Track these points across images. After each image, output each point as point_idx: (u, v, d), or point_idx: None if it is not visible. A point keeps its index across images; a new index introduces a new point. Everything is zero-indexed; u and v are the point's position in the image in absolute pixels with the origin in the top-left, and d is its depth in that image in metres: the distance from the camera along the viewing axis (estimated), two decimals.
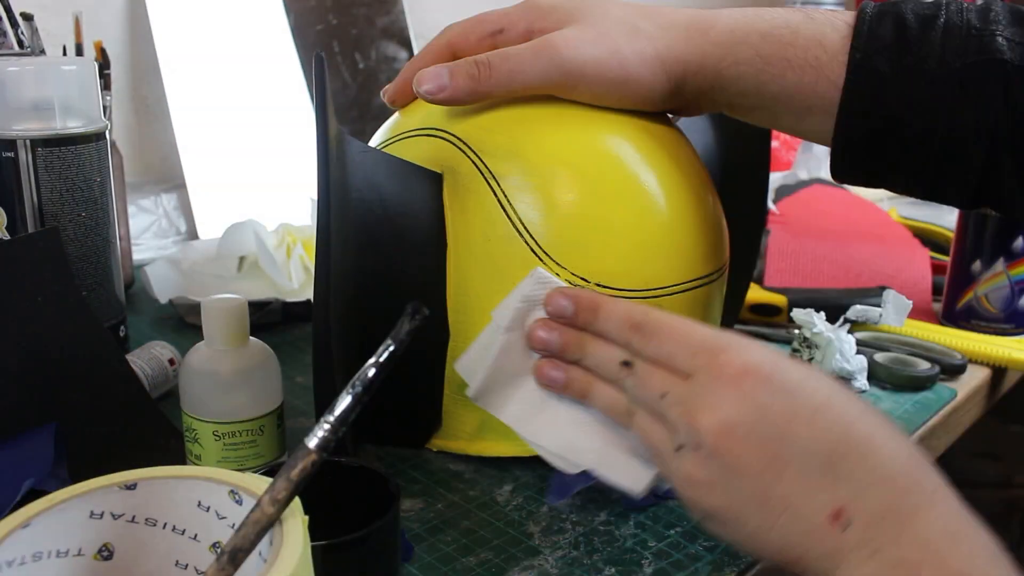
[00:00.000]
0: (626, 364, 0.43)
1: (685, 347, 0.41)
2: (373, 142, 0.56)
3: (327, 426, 0.32)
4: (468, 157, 0.50)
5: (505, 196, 0.48)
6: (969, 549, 0.35)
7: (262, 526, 0.32)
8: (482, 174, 0.49)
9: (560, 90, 0.49)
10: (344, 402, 0.32)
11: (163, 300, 0.77)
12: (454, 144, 0.50)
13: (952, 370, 0.70)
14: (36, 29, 0.73)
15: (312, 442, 0.32)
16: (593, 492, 0.52)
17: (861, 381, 0.66)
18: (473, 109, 0.51)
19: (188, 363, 0.49)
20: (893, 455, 0.37)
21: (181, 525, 0.36)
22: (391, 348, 0.32)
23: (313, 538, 0.42)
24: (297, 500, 0.33)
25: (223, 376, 0.48)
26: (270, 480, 0.36)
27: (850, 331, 0.77)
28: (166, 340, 0.66)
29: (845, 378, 0.66)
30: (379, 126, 0.57)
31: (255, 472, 0.37)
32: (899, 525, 0.35)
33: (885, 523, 0.36)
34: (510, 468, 0.55)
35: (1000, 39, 0.46)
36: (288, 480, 0.32)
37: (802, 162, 1.25)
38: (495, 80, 0.48)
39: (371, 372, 0.32)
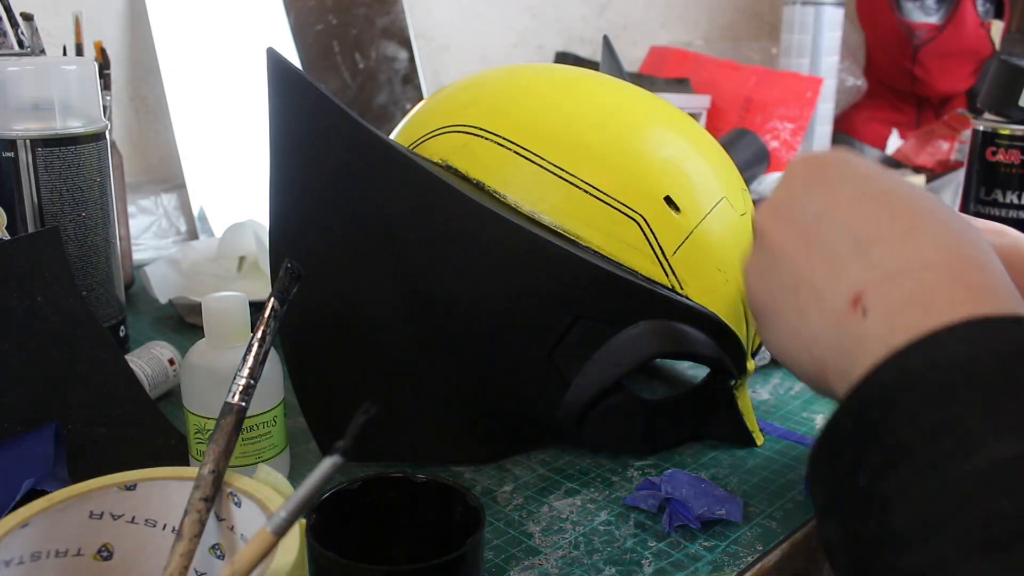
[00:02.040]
0: None
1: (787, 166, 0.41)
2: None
3: (242, 380, 0.37)
4: (479, 136, 0.52)
5: (514, 143, 0.51)
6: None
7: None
8: (497, 143, 0.52)
9: None
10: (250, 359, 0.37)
11: (163, 300, 0.77)
12: (465, 132, 0.53)
13: None
14: (36, 29, 0.73)
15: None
16: (593, 492, 0.52)
17: None
18: (481, 107, 0.54)
19: (194, 363, 0.49)
20: (941, 250, 0.33)
21: None
22: (274, 304, 0.37)
23: (383, 561, 0.40)
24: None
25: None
26: (266, 482, 0.37)
27: None
28: (166, 340, 0.66)
29: None
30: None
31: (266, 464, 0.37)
32: (923, 316, 0.31)
33: (907, 313, 0.32)
34: (510, 468, 0.55)
35: None
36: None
37: None
38: None
39: (260, 329, 0.37)
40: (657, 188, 0.51)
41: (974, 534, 0.26)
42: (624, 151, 0.51)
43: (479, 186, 0.51)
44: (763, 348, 0.69)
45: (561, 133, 0.51)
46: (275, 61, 0.49)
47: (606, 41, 0.68)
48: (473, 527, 0.37)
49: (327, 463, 0.31)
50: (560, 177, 0.50)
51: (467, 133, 0.52)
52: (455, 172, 0.52)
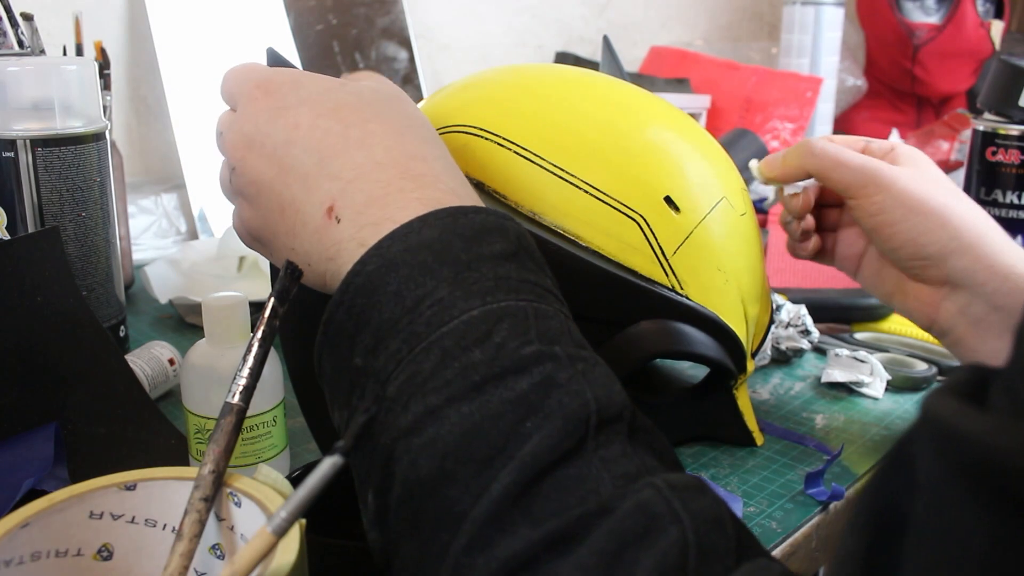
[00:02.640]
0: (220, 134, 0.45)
1: (236, 80, 0.42)
2: None
3: (242, 380, 0.38)
4: (480, 136, 0.53)
5: (514, 143, 0.52)
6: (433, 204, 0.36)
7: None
8: (497, 143, 0.52)
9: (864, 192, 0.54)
10: (250, 359, 0.38)
11: (163, 300, 0.77)
12: (466, 133, 0.53)
13: (951, 371, 0.70)
14: (36, 29, 0.73)
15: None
16: None
17: (875, 387, 0.66)
18: (482, 107, 0.54)
19: (194, 363, 0.49)
20: (388, 148, 0.38)
21: None
22: (274, 303, 0.38)
23: (356, 536, 0.42)
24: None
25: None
26: (266, 482, 0.37)
27: (851, 331, 0.77)
28: (166, 340, 0.66)
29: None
30: None
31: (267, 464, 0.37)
32: (381, 210, 0.36)
33: (368, 212, 0.36)
34: None
35: None
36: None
37: None
38: (815, 165, 0.56)
39: (259, 328, 0.38)
40: (657, 188, 0.51)
41: (455, 382, 0.31)
42: (624, 151, 0.51)
43: (479, 186, 0.51)
44: (763, 348, 0.70)
45: (561, 133, 0.51)
46: (275, 61, 0.49)
47: (606, 41, 0.68)
48: None
49: (327, 463, 0.31)
50: (560, 177, 0.50)
51: (467, 133, 0.52)
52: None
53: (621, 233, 0.50)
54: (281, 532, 0.31)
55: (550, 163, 0.50)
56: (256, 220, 0.41)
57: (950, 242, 0.52)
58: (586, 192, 0.50)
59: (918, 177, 0.53)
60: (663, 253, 0.50)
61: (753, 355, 0.56)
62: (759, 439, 0.58)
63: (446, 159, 0.40)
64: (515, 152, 0.50)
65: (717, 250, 0.52)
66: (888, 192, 0.53)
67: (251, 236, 0.43)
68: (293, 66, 0.49)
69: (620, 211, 0.50)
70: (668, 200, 0.50)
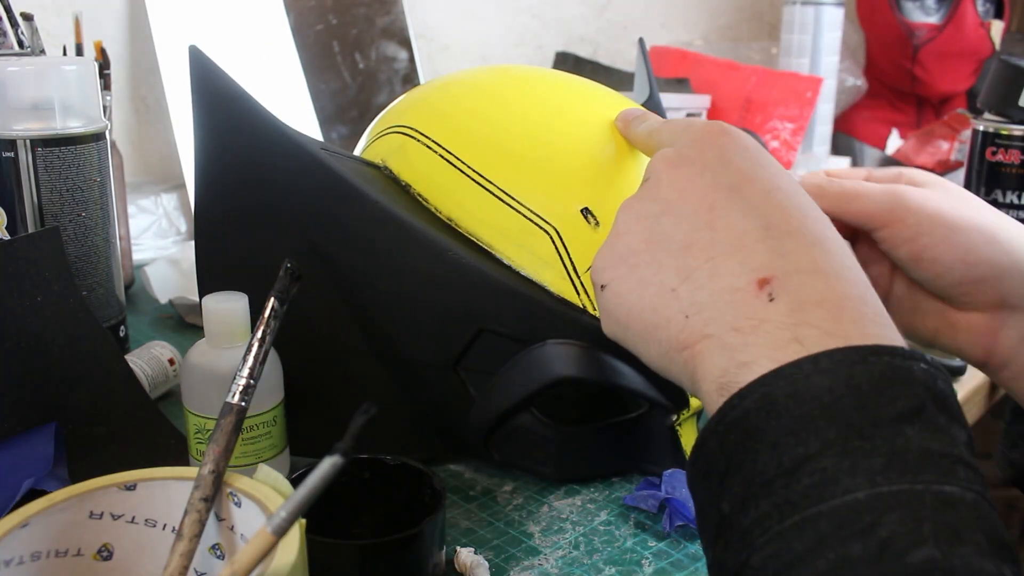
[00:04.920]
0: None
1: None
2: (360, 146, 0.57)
3: (243, 380, 0.38)
4: (413, 137, 0.52)
5: (440, 146, 0.50)
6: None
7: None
8: (426, 145, 0.51)
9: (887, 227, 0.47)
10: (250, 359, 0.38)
11: (163, 300, 0.77)
12: (403, 133, 0.53)
13: (951, 372, 0.70)
14: (36, 29, 0.73)
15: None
16: (593, 492, 0.52)
17: None
18: (423, 108, 0.54)
19: (194, 363, 0.49)
20: (846, 265, 0.34)
21: None
22: (274, 304, 0.38)
23: (354, 536, 0.43)
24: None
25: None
26: (268, 481, 0.37)
27: None
28: (166, 340, 0.66)
29: None
30: None
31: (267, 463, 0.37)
32: (833, 323, 0.31)
33: (818, 314, 0.32)
34: (510, 468, 0.55)
35: None
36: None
37: (802, 162, 1.25)
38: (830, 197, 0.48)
39: (260, 329, 0.38)
40: (574, 199, 0.48)
41: None
42: (546, 159, 0.48)
43: (406, 189, 0.50)
44: None
45: (486, 138, 0.49)
46: (199, 62, 0.48)
47: (641, 44, 0.66)
48: (438, 508, 0.41)
49: (327, 463, 0.31)
50: (478, 184, 0.48)
51: (404, 134, 0.52)
52: (389, 174, 0.52)
53: (532, 245, 0.47)
54: (281, 532, 0.31)
55: (471, 168, 0.48)
56: (638, 238, 0.37)
57: (1003, 258, 0.45)
58: (501, 200, 0.48)
59: (947, 195, 0.47)
60: (575, 270, 0.47)
61: None
62: None
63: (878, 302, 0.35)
64: (440, 155, 0.49)
65: None
66: (922, 212, 0.46)
67: (624, 245, 0.38)
68: (218, 66, 0.49)
69: (532, 221, 0.47)
70: (586, 212, 0.47)
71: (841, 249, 0.34)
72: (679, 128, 0.40)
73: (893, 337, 0.32)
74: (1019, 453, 0.56)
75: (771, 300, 0.32)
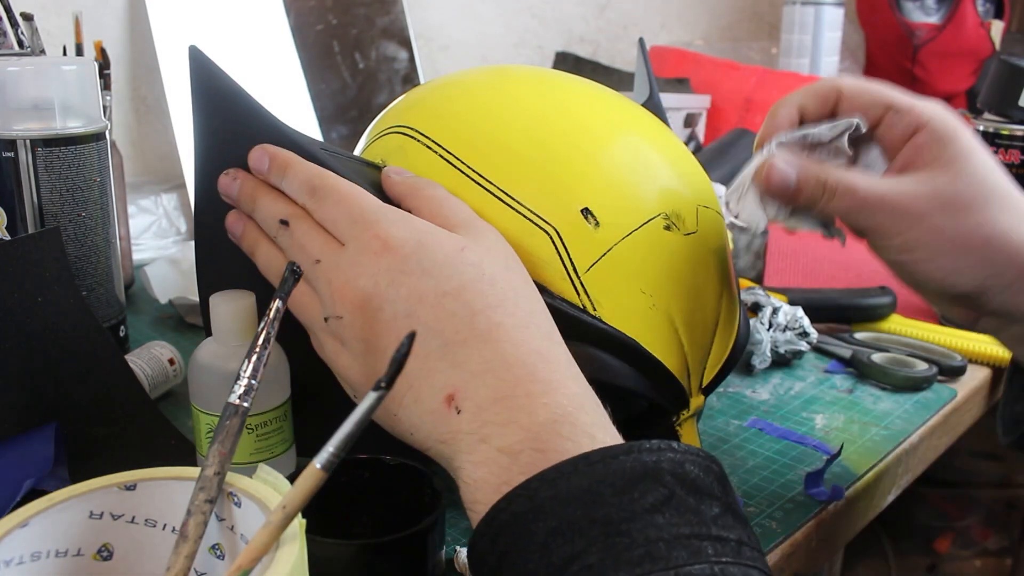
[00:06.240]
0: (284, 223, 0.44)
1: (347, 214, 0.41)
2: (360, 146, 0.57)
3: (245, 381, 0.38)
4: (413, 138, 0.52)
5: (440, 146, 0.50)
6: (570, 431, 0.36)
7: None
8: (426, 145, 0.51)
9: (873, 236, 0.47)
10: (251, 362, 0.38)
11: (163, 300, 0.77)
12: (403, 134, 0.52)
13: (951, 371, 0.70)
14: (36, 29, 0.73)
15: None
16: None
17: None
18: (423, 108, 0.54)
19: (203, 361, 0.48)
20: (516, 346, 0.38)
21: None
22: (278, 305, 0.39)
23: (354, 536, 0.43)
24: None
25: None
26: (268, 481, 0.37)
27: (852, 331, 0.77)
28: (166, 340, 0.66)
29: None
30: None
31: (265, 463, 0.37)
32: (507, 413, 0.36)
33: (493, 410, 0.36)
34: None
35: None
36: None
37: None
38: (833, 207, 0.46)
39: (263, 330, 0.38)
40: (575, 199, 0.47)
41: None
42: (546, 158, 0.48)
43: None
44: (757, 357, 0.69)
45: (486, 138, 0.49)
46: (199, 62, 0.48)
47: (641, 44, 0.65)
48: (438, 508, 0.42)
49: (372, 396, 0.31)
50: (477, 183, 0.48)
51: (404, 134, 0.52)
52: None
53: (531, 245, 0.47)
54: (329, 467, 0.32)
55: (470, 167, 0.48)
56: (357, 375, 0.41)
57: (990, 279, 0.45)
58: (500, 199, 0.47)
59: (955, 202, 0.44)
60: (575, 270, 0.47)
61: (705, 389, 0.51)
62: None
63: (566, 355, 0.40)
64: (440, 155, 0.49)
65: (642, 270, 0.47)
66: (919, 228, 0.44)
67: (347, 384, 0.42)
68: (218, 66, 0.49)
69: (532, 221, 0.47)
70: (586, 212, 0.47)
71: (515, 327, 0.39)
72: (349, 241, 0.41)
73: (563, 400, 0.36)
74: None
75: (459, 412, 0.37)
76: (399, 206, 0.44)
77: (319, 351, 0.43)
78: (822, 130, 0.48)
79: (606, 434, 0.37)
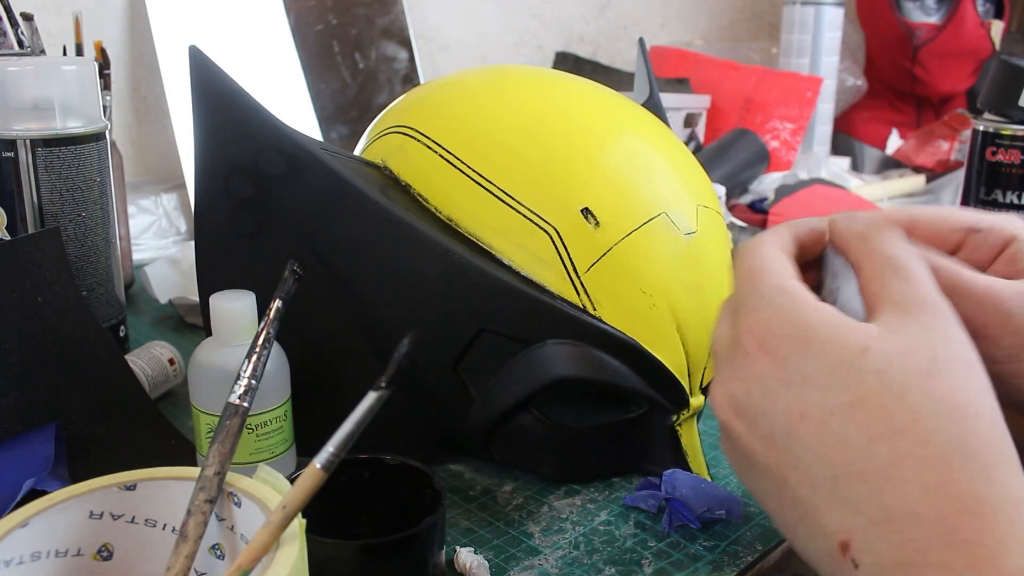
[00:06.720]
0: None
1: (740, 293, 0.35)
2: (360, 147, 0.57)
3: (245, 381, 0.38)
4: (413, 138, 0.51)
5: (441, 146, 0.50)
6: None
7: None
8: (426, 145, 0.51)
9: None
10: (251, 362, 0.38)
11: (163, 300, 0.77)
12: (403, 133, 0.52)
13: None
14: (36, 29, 0.73)
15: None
16: (593, 492, 0.52)
17: None
18: (423, 107, 0.53)
19: (202, 361, 0.48)
20: (929, 489, 0.28)
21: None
22: (278, 305, 0.38)
23: (354, 536, 0.43)
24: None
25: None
26: (268, 481, 0.37)
27: None
28: (166, 340, 0.66)
29: None
30: None
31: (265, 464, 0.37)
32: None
33: (898, 573, 0.28)
34: (510, 468, 0.55)
35: None
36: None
37: (802, 162, 1.25)
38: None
39: (263, 331, 0.38)
40: (575, 199, 0.47)
41: None
42: (546, 158, 0.48)
43: (406, 189, 0.50)
44: None
45: (486, 138, 0.49)
46: (199, 64, 0.48)
47: (641, 44, 0.65)
48: (438, 508, 0.42)
49: (372, 396, 0.31)
50: (478, 183, 0.48)
51: (403, 134, 0.52)
52: (389, 174, 0.52)
53: (532, 245, 0.47)
54: (329, 467, 0.32)
55: (470, 168, 0.48)
56: (748, 486, 0.35)
57: None
58: (500, 200, 0.47)
59: None
60: (575, 270, 0.47)
61: (705, 389, 0.51)
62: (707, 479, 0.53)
63: (1014, 504, 0.28)
64: (440, 155, 0.49)
65: (642, 270, 0.47)
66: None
67: (748, 488, 0.36)
68: (218, 66, 0.49)
69: (532, 221, 0.47)
70: (586, 212, 0.47)
71: (928, 462, 0.29)
72: (735, 338, 0.34)
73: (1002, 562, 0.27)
74: None
75: (856, 567, 0.30)
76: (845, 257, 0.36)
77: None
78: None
79: None
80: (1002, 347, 0.37)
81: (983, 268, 0.40)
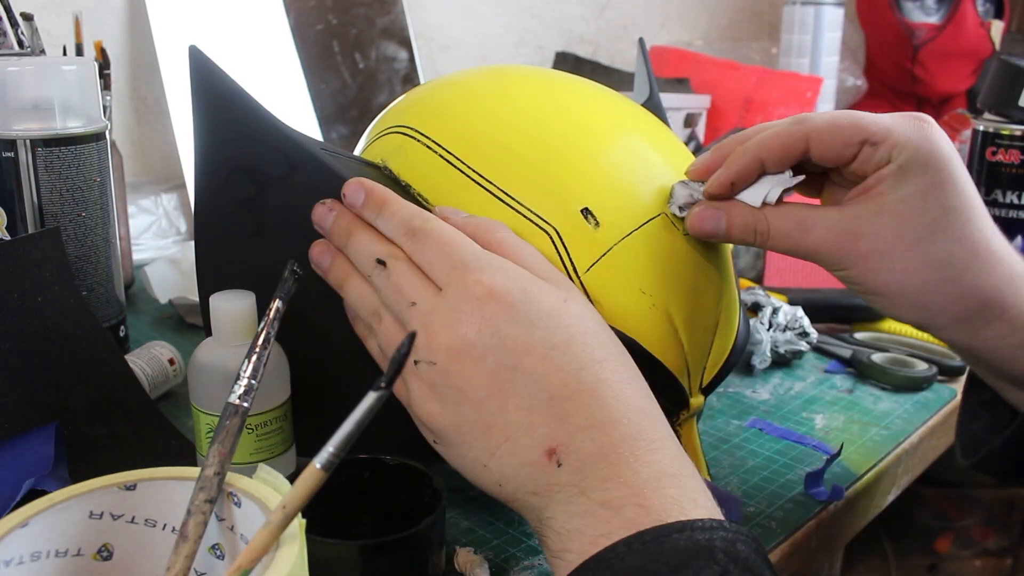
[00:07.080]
0: (380, 262, 0.43)
1: (446, 258, 0.40)
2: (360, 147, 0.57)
3: (245, 381, 0.38)
4: (413, 138, 0.51)
5: (441, 146, 0.50)
6: (675, 492, 0.36)
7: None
8: (426, 145, 0.50)
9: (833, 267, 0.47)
10: (251, 362, 0.38)
11: (163, 300, 0.77)
12: (403, 133, 0.52)
13: (951, 371, 0.70)
14: (36, 29, 0.73)
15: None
16: None
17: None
18: (423, 107, 0.53)
19: (203, 361, 0.48)
20: (622, 403, 0.38)
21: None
22: (278, 305, 0.38)
23: (354, 536, 0.43)
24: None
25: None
26: (268, 481, 0.37)
27: (851, 331, 0.77)
28: (166, 340, 0.66)
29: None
30: None
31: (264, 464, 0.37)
32: (610, 468, 0.36)
33: (596, 465, 0.36)
34: None
35: None
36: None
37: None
38: (771, 243, 0.47)
39: (263, 331, 0.38)
40: (575, 198, 0.47)
41: None
42: (545, 158, 0.48)
43: (406, 189, 0.50)
44: (757, 357, 0.69)
45: (486, 138, 0.49)
46: (199, 63, 0.48)
47: (641, 44, 0.65)
48: (438, 508, 0.42)
49: (372, 397, 0.31)
50: (477, 183, 0.48)
51: (403, 134, 0.52)
52: (389, 174, 0.52)
53: (532, 245, 0.46)
54: (329, 467, 0.32)
55: (470, 168, 0.48)
56: (446, 423, 0.40)
57: (957, 315, 0.45)
58: (500, 199, 0.47)
59: (910, 218, 0.44)
60: (574, 270, 0.46)
61: (705, 389, 0.51)
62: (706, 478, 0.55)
63: (663, 415, 0.40)
64: (440, 155, 0.49)
65: (642, 270, 0.47)
66: (878, 256, 0.45)
67: (431, 430, 0.41)
68: (218, 66, 0.49)
69: (532, 221, 0.47)
70: (586, 212, 0.47)
71: (620, 383, 0.39)
72: (449, 286, 0.40)
73: (666, 460, 0.37)
74: (981, 424, 0.53)
75: (559, 466, 0.37)
76: None
77: (400, 394, 0.42)
78: (754, 194, 0.47)
79: (707, 500, 0.37)
80: (834, 264, 0.46)
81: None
